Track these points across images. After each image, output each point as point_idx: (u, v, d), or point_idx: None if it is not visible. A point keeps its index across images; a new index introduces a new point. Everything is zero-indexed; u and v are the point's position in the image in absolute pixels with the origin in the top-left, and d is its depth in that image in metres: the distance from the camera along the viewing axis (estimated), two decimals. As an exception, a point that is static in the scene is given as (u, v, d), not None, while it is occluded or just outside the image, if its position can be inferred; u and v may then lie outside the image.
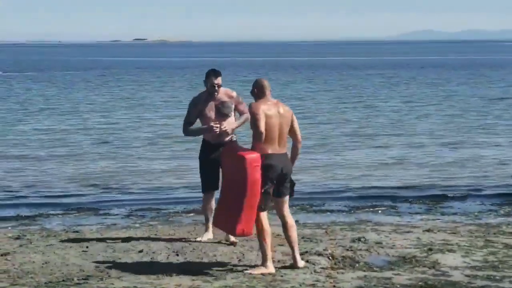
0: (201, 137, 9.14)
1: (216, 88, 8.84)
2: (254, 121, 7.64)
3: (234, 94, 8.99)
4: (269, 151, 7.69)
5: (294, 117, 7.86)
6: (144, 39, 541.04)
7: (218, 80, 8.84)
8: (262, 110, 7.64)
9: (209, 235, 9.21)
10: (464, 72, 59.44)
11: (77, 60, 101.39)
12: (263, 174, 7.62)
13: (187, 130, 8.98)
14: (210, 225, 9.24)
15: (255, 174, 7.54)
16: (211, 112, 8.86)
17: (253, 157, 7.57)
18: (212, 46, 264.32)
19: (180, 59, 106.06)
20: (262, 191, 7.64)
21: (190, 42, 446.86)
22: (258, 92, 7.82)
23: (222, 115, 8.86)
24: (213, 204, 9.13)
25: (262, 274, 7.68)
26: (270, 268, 7.76)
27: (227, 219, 7.75)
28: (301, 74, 57.68)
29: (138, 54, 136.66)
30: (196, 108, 8.92)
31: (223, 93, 8.93)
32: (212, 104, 8.86)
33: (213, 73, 8.85)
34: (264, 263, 7.77)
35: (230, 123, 8.88)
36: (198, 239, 9.12)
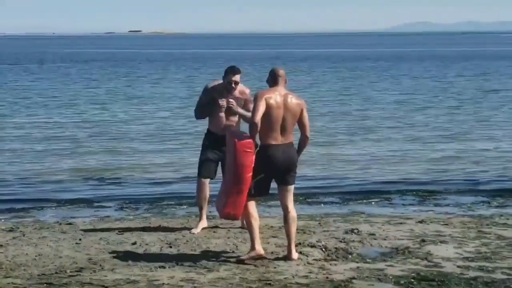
0: (206, 127, 9.16)
1: (233, 85, 8.86)
2: (252, 110, 7.64)
3: (247, 91, 9.02)
4: (272, 142, 7.67)
5: (305, 111, 7.76)
6: (139, 31, 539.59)
7: (236, 78, 8.86)
8: (264, 99, 7.60)
9: (203, 224, 9.23)
10: (462, 64, 59.40)
11: (72, 52, 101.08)
12: (263, 164, 7.61)
13: (199, 112, 9.01)
14: (204, 214, 9.26)
15: (245, 159, 7.53)
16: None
17: (244, 142, 7.56)
18: (208, 38, 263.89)
19: (176, 51, 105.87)
20: (256, 180, 7.63)
21: (186, 34, 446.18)
22: (270, 79, 7.84)
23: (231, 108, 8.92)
24: (207, 193, 9.13)
25: (253, 257, 7.72)
26: (259, 250, 7.78)
27: (218, 200, 7.78)
28: (299, 66, 57.60)
29: (134, 46, 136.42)
30: (209, 96, 8.93)
31: (237, 89, 8.95)
32: (226, 97, 8.89)
33: (232, 70, 8.88)
34: (252, 247, 7.80)
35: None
36: (192, 231, 9.13)
